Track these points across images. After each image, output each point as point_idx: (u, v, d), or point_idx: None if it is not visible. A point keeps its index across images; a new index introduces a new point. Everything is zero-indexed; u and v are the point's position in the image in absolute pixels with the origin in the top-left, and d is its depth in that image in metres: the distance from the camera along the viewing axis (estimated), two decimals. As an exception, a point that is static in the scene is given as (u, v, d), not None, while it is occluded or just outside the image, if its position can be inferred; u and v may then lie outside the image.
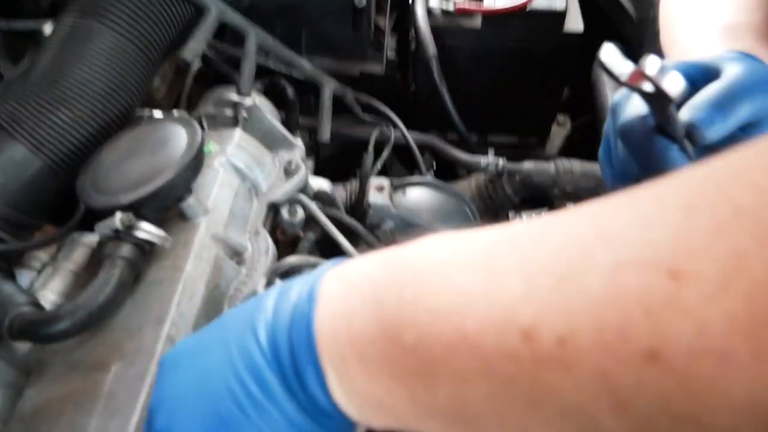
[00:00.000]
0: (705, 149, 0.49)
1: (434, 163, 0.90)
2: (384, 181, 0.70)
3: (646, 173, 0.53)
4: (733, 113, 0.46)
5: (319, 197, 0.77)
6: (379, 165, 0.83)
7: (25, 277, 0.70)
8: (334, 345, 0.32)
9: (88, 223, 0.68)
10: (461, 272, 0.27)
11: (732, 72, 0.48)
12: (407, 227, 0.68)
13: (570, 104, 1.15)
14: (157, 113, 0.81)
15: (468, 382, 0.25)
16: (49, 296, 0.64)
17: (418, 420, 0.30)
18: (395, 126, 0.88)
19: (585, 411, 0.21)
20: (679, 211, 0.21)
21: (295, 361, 0.33)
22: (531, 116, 1.06)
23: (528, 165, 0.86)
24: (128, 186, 0.58)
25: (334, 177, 1.05)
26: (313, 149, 0.92)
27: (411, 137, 0.88)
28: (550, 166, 0.86)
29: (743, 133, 0.49)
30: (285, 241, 0.72)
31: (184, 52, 0.70)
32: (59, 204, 0.69)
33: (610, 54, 0.43)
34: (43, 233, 0.71)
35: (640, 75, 0.42)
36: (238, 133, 0.72)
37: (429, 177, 0.80)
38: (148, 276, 0.58)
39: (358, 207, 0.73)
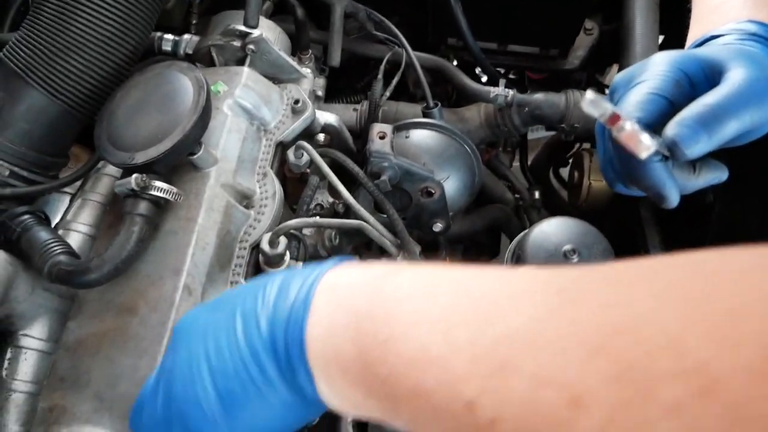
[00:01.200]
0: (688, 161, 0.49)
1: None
2: (386, 128, 0.71)
3: (629, 177, 0.54)
4: (718, 132, 0.46)
5: (327, 131, 0.79)
6: (388, 92, 0.83)
7: (57, 202, 0.78)
8: (321, 354, 0.38)
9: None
10: (425, 329, 0.32)
11: (730, 81, 0.47)
12: (407, 175, 0.71)
13: (601, 7, 1.08)
14: (168, 38, 0.81)
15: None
16: (81, 228, 0.72)
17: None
18: (405, 49, 0.86)
19: None
20: (587, 352, 0.25)
21: (289, 357, 0.40)
22: (556, 23, 1.00)
23: (538, 96, 0.85)
24: (141, 143, 0.62)
25: (349, 83, 1.05)
26: (325, 64, 0.91)
27: (421, 60, 0.86)
28: (560, 99, 0.85)
29: (728, 141, 0.49)
30: (293, 178, 0.76)
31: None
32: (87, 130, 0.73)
33: (593, 98, 0.44)
34: (74, 158, 0.76)
35: (616, 120, 0.42)
36: (245, 72, 0.73)
37: (436, 112, 0.80)
38: (165, 226, 0.65)
39: (365, 134, 0.75)
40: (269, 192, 0.71)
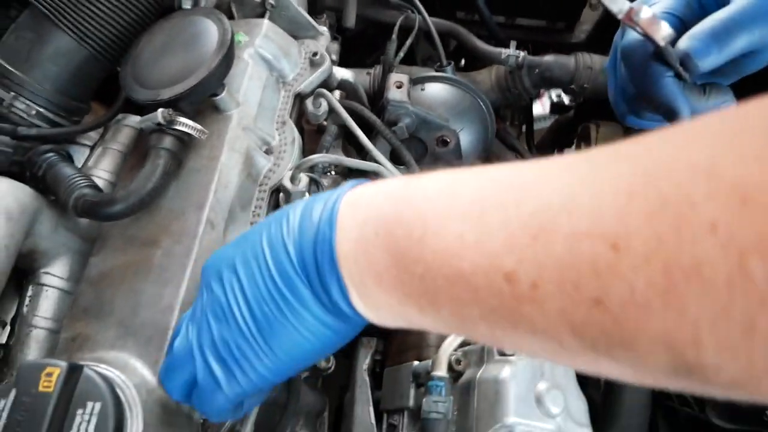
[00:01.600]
0: (702, 75, 0.51)
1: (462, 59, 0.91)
2: (403, 78, 0.73)
3: (642, 96, 0.56)
4: (729, 45, 0.48)
5: (343, 87, 0.81)
6: (402, 53, 0.85)
7: (77, 153, 0.79)
8: (354, 267, 0.39)
9: (130, 106, 0.75)
10: (457, 222, 0.33)
11: (739, 1, 0.49)
12: (423, 124, 0.72)
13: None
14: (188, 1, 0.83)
15: (464, 306, 0.33)
16: (102, 175, 0.73)
17: (427, 324, 0.38)
18: (419, 12, 0.88)
19: (551, 334, 0.29)
20: (624, 195, 0.26)
21: (321, 276, 0.41)
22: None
23: (548, 58, 0.87)
24: (167, 81, 0.63)
25: (359, 59, 1.07)
26: (339, 30, 0.93)
27: (434, 25, 0.88)
28: (570, 61, 0.87)
29: (740, 60, 0.51)
30: (310, 130, 0.78)
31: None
32: (105, 87, 0.75)
33: (608, -9, 0.45)
34: (92, 113, 0.78)
35: (634, 13, 0.44)
36: (265, 23, 0.75)
37: (449, 70, 0.82)
38: (188, 164, 0.66)
39: (378, 98, 0.77)
40: (288, 139, 0.72)
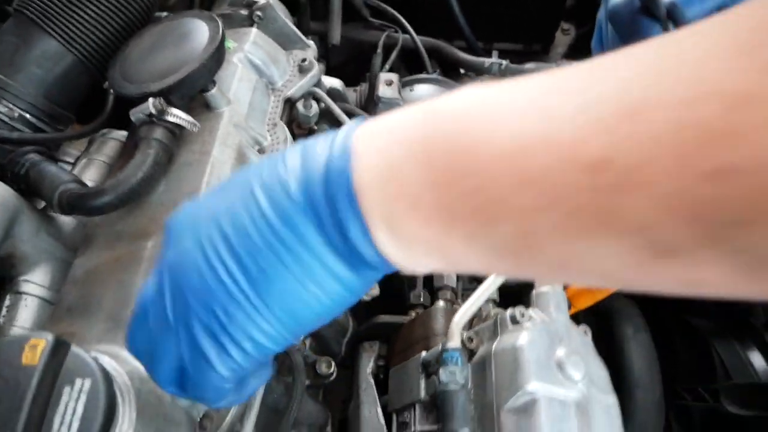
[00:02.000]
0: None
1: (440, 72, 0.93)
2: (393, 76, 0.74)
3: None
4: None
5: (332, 94, 0.81)
6: (387, 66, 0.86)
7: (61, 168, 0.76)
8: (381, 196, 0.32)
9: (114, 123, 0.74)
10: (514, 119, 0.28)
11: None
12: (415, 119, 0.72)
13: (575, 11, 1.17)
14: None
15: (533, 216, 0.27)
16: (87, 183, 0.70)
17: (472, 257, 0.31)
18: (404, 30, 0.91)
19: (651, 230, 0.24)
20: (735, 51, 0.23)
21: (334, 214, 0.33)
22: (535, 22, 1.08)
23: (530, 66, 0.90)
24: (157, 75, 0.63)
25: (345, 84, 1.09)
26: (324, 56, 0.95)
27: (418, 40, 0.90)
28: (552, 67, 0.89)
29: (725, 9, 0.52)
30: (301, 134, 0.77)
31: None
32: (89, 101, 0.74)
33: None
34: (73, 131, 0.76)
35: None
36: (254, 31, 0.76)
37: (435, 75, 0.83)
38: (179, 159, 0.64)
39: (368, 103, 0.77)
40: (281, 137, 0.71)
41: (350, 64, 1.02)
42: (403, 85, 0.77)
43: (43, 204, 0.66)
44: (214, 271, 0.36)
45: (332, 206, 0.33)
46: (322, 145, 0.36)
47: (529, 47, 1.09)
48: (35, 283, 0.63)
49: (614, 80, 0.26)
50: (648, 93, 0.24)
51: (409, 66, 1.05)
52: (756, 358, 0.81)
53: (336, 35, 0.88)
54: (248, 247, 0.35)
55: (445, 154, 0.30)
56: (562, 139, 0.26)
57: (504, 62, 0.88)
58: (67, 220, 0.67)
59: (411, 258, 0.34)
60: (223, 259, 0.36)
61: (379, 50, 0.88)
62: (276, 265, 0.35)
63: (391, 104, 0.72)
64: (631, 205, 0.24)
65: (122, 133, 0.75)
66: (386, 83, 0.73)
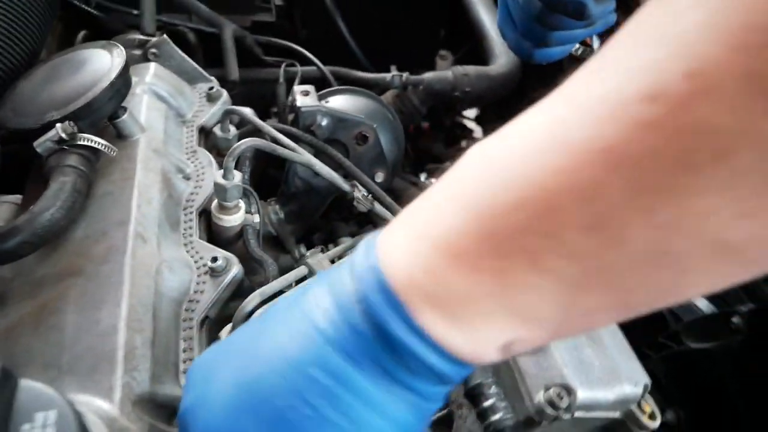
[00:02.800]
0: None
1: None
2: (308, 87, 0.73)
3: (550, 6, 0.61)
4: None
5: (244, 123, 0.78)
6: (290, 98, 0.86)
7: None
8: (424, 276, 0.28)
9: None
10: (535, 139, 0.25)
11: None
12: (339, 123, 0.71)
13: (448, 39, 1.25)
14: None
15: (604, 190, 0.23)
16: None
17: (546, 297, 0.26)
18: (301, 61, 0.91)
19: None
20: None
21: (384, 335, 0.28)
22: (416, 51, 1.14)
23: (428, 75, 0.94)
24: (59, 103, 0.57)
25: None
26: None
27: (315, 70, 0.91)
28: (447, 73, 0.94)
29: None
30: (221, 161, 0.72)
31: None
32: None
33: None
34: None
35: None
36: (152, 65, 0.72)
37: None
38: (97, 191, 0.57)
39: (291, 123, 0.75)
40: (204, 162, 0.67)
41: (250, 104, 1.00)
42: (320, 98, 0.76)
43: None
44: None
45: (379, 328, 0.29)
46: (346, 277, 0.31)
47: (416, 73, 1.14)
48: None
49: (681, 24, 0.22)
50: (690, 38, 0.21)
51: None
52: (699, 301, 0.85)
53: (234, 71, 0.86)
54: (274, 399, 0.29)
55: (485, 199, 0.26)
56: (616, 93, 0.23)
57: (404, 74, 0.91)
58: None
59: (478, 338, 0.29)
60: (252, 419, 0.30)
61: (281, 80, 0.87)
62: (307, 417, 0.29)
63: (312, 113, 0.70)
64: (705, 112, 0.21)
65: (13, 197, 0.66)
66: (303, 94, 0.71)
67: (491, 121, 1.34)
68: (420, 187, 1.01)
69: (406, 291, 0.28)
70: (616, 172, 0.22)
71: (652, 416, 0.50)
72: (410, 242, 0.29)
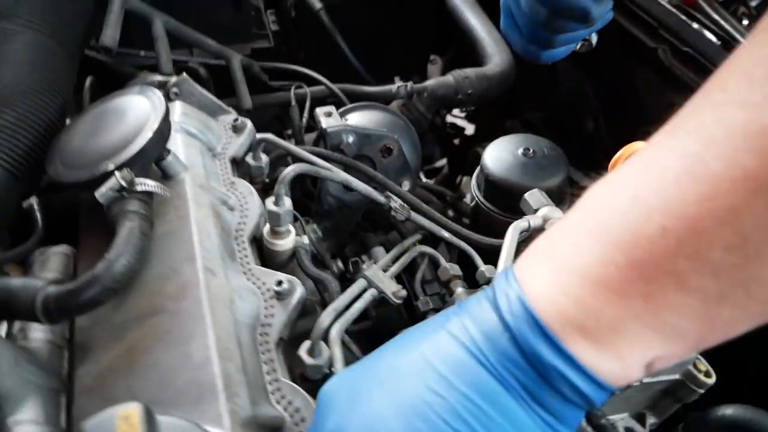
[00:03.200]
0: None
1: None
2: (329, 108, 0.76)
3: (555, 11, 0.65)
4: None
5: (269, 150, 0.81)
6: (306, 114, 0.89)
7: None
8: (589, 318, 0.30)
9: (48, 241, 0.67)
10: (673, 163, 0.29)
11: None
12: (365, 139, 0.75)
13: (436, 43, 1.29)
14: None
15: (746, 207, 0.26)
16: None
17: (687, 312, 0.29)
18: (308, 81, 0.94)
19: None
20: None
21: (534, 362, 0.31)
22: (408, 59, 1.18)
23: (430, 82, 0.97)
24: (108, 153, 0.59)
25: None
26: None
27: (323, 89, 0.94)
28: (448, 78, 0.97)
29: None
30: (257, 189, 0.75)
31: (103, 39, 0.71)
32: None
33: None
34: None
35: None
36: (178, 104, 0.74)
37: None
38: (157, 231, 0.59)
39: (315, 143, 0.78)
40: (245, 191, 0.69)
41: (263, 129, 1.03)
42: (340, 115, 0.80)
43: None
44: None
45: (530, 356, 0.31)
46: (486, 309, 0.33)
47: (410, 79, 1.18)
48: (27, 420, 0.53)
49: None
50: None
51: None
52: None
53: (247, 100, 0.88)
54: (432, 418, 0.32)
55: (627, 230, 0.29)
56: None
57: (409, 84, 0.94)
58: (39, 343, 0.58)
59: (625, 361, 0.31)
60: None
61: (294, 103, 0.90)
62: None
63: (338, 133, 0.73)
64: None
65: (62, 248, 0.67)
66: (326, 115, 0.75)
67: (483, 117, 1.38)
68: (424, 188, 1.05)
69: (555, 321, 0.31)
70: (757, 195, 0.26)
71: (707, 374, 0.54)
72: (555, 275, 0.32)
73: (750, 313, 0.29)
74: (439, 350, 0.33)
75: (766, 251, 0.27)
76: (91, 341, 0.54)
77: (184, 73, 0.78)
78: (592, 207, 0.32)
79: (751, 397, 0.56)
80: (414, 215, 0.72)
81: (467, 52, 1.11)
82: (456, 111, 1.45)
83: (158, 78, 0.78)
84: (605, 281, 0.30)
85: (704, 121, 0.28)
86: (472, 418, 0.31)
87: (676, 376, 0.54)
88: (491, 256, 0.72)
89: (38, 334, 0.58)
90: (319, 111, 0.76)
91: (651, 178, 0.30)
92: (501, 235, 0.70)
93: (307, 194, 0.82)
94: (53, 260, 0.67)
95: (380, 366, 0.36)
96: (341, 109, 0.81)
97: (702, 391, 0.55)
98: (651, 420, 0.58)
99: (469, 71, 0.99)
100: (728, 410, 0.53)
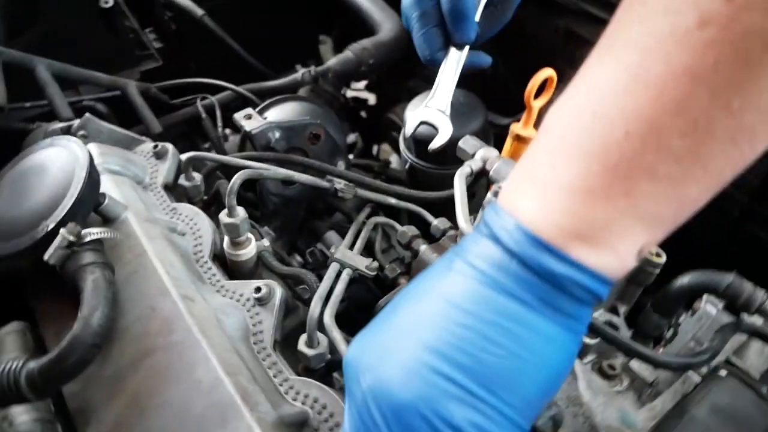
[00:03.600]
0: None
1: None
2: (247, 110, 0.76)
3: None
4: None
5: (197, 167, 0.79)
6: (219, 123, 0.87)
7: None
8: (583, 224, 0.33)
9: None
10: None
11: None
12: (290, 131, 0.75)
13: (322, 25, 1.29)
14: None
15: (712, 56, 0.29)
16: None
17: (662, 181, 0.32)
18: (212, 90, 0.93)
19: None
20: None
21: (538, 267, 0.34)
22: (298, 45, 1.18)
23: (331, 61, 0.98)
24: (43, 214, 0.56)
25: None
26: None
27: (230, 92, 0.93)
28: (347, 54, 0.98)
29: None
30: (200, 209, 0.74)
31: (-7, 99, 0.66)
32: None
33: None
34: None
35: None
36: (92, 145, 0.71)
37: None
38: (120, 276, 0.58)
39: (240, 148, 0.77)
40: (190, 214, 0.68)
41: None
42: (260, 112, 0.79)
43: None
44: (441, 387, 0.34)
45: (542, 273, 0.34)
46: (485, 244, 0.36)
47: (307, 65, 1.18)
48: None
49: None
50: None
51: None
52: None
53: (155, 125, 0.86)
54: (466, 347, 0.34)
55: (595, 140, 0.33)
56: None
57: (311, 68, 0.95)
58: (29, 425, 0.55)
59: (621, 254, 0.35)
60: (435, 364, 0.34)
61: (204, 115, 0.88)
62: (498, 355, 0.34)
63: (264, 132, 0.73)
64: None
65: (13, 326, 0.64)
66: (246, 118, 0.74)
67: (384, 84, 1.41)
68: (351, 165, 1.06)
69: (556, 236, 0.34)
70: (698, 83, 0.30)
71: (658, 255, 0.60)
72: (543, 197, 0.35)
73: (709, 186, 0.34)
74: (456, 289, 0.36)
75: (712, 130, 0.31)
76: (88, 403, 0.53)
77: (88, 113, 0.74)
78: (557, 130, 0.36)
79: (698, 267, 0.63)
80: (359, 190, 0.74)
81: (354, 25, 1.13)
82: (355, 84, 1.47)
83: (60, 125, 0.74)
84: (589, 189, 0.33)
85: (636, 33, 0.32)
86: (506, 340, 0.34)
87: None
88: (438, 210, 0.75)
89: (24, 416, 0.55)
90: (238, 116, 0.75)
91: (604, 93, 0.33)
92: (441, 188, 0.74)
93: (243, 202, 0.82)
94: (8, 341, 0.63)
95: (400, 317, 0.37)
96: (257, 109, 0.81)
97: (657, 270, 0.61)
98: (622, 308, 0.64)
99: (366, 42, 1.00)
100: (685, 279, 0.60)
